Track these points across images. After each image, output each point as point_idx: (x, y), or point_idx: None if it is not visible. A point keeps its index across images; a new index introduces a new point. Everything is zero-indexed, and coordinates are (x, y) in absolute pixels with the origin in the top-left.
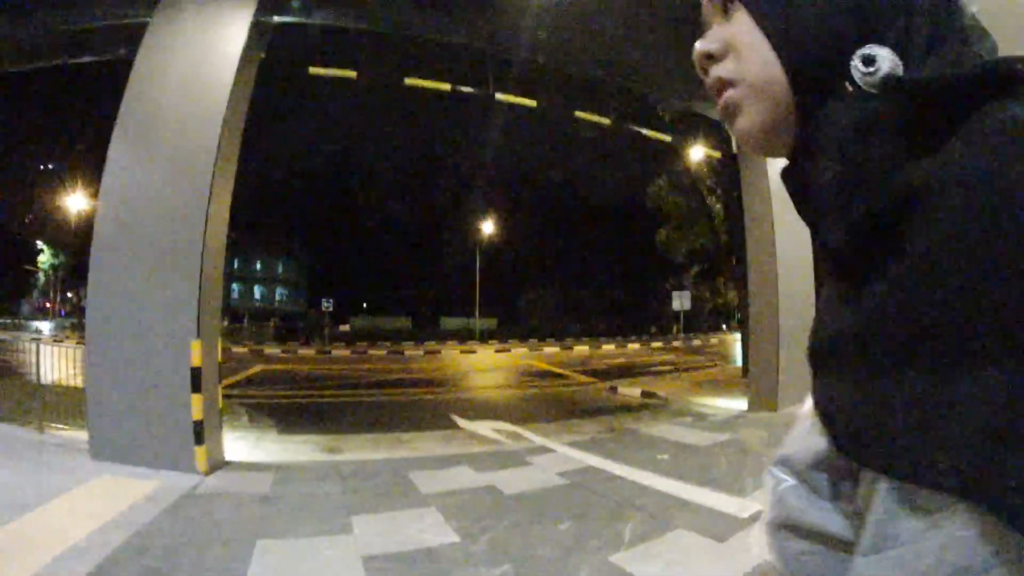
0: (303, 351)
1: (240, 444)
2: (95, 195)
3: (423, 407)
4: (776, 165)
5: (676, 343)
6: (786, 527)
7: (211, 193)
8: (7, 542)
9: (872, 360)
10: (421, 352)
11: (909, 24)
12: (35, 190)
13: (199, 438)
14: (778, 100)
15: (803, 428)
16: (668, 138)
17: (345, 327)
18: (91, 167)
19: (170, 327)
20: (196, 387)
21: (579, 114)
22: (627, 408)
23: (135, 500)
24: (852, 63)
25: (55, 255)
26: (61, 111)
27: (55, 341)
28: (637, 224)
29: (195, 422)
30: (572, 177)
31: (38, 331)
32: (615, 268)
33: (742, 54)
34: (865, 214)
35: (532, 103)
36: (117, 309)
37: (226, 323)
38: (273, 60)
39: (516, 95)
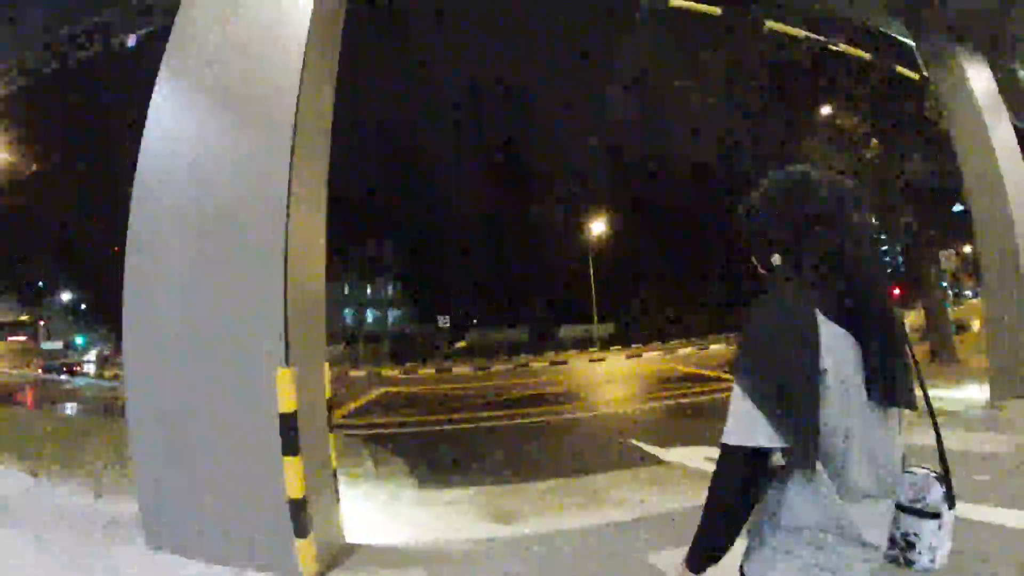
0: (422, 371)
1: (366, 508)
2: None
3: (585, 430)
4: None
5: None
6: None
7: (295, 148)
8: None
9: None
10: (546, 363)
11: (784, 246)
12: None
13: (301, 526)
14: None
15: None
16: (867, 55)
17: (462, 343)
18: None
19: (240, 349)
20: (291, 446)
21: (770, 24)
22: None
23: None
24: (771, 262)
25: None
26: None
27: None
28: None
29: (292, 502)
30: (685, 156)
31: None
32: (736, 253)
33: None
34: None
35: (716, 10)
36: (164, 324)
37: (343, 348)
38: None
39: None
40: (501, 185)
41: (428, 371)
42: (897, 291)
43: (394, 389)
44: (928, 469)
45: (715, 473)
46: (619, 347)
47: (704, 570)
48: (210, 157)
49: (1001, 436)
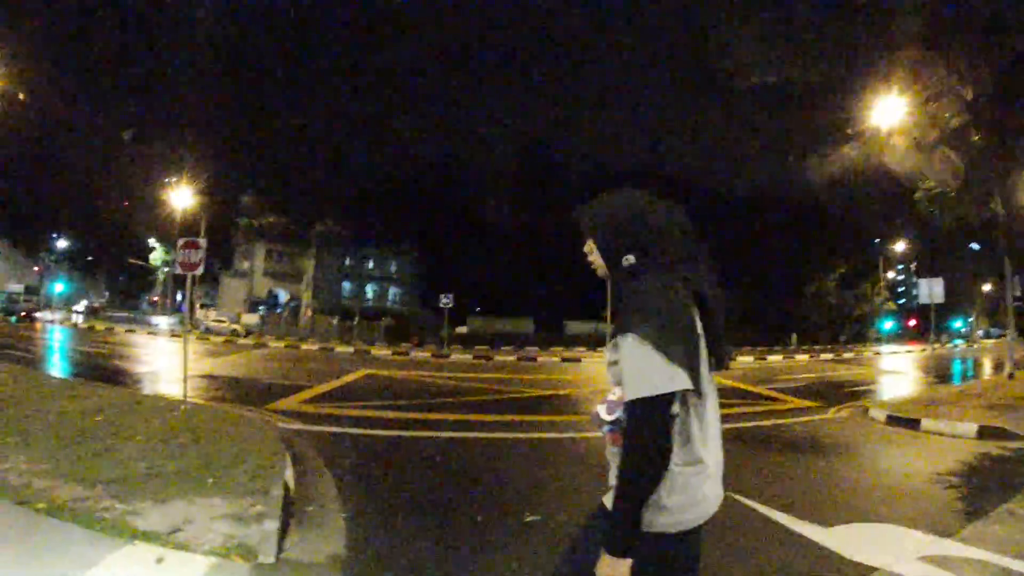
0: (417, 353)
1: None
2: (201, 192)
3: None
4: None
5: (847, 354)
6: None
7: None
8: None
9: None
10: (556, 359)
11: (640, 249)
12: (148, 187)
13: None
14: (606, 270)
15: None
16: None
17: (463, 328)
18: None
19: None
20: None
21: None
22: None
23: None
24: (622, 261)
25: (166, 252)
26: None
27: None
28: (765, 218)
29: None
30: (707, 164)
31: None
32: (743, 268)
33: (595, 254)
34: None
35: None
36: None
37: (335, 321)
38: None
39: None
40: (525, 178)
41: (423, 355)
42: (913, 322)
43: (380, 372)
44: None
45: (636, 428)
46: None
47: (631, 548)
48: None
49: None
